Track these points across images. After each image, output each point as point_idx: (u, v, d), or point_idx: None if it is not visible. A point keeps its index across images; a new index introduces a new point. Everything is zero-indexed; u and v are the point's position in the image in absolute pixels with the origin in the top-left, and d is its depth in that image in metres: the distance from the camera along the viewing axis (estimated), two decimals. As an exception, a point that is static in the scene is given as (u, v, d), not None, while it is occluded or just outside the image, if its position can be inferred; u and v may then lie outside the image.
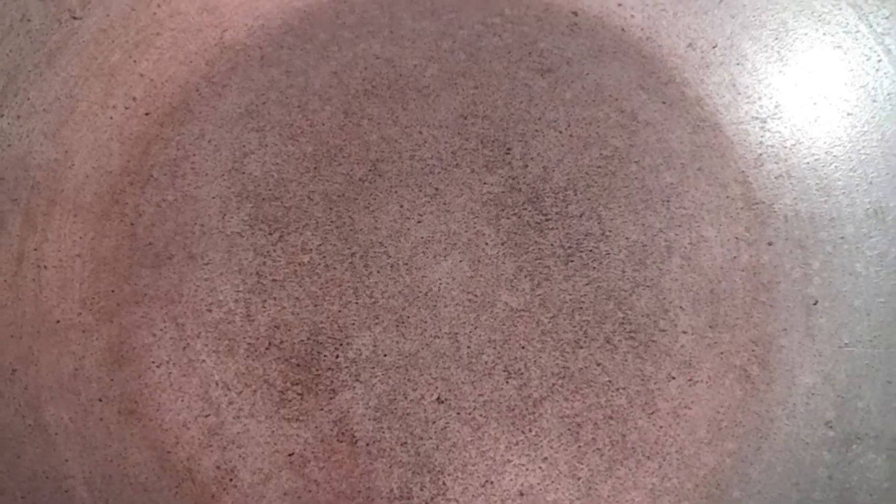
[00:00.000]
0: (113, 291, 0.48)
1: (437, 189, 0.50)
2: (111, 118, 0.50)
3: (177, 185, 0.50)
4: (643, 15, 0.53)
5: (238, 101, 0.51)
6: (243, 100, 0.51)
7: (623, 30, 0.53)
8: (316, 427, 0.46)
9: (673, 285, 0.49)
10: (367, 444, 0.46)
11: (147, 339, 0.47)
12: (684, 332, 0.48)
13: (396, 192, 0.50)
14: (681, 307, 0.49)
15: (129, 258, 0.48)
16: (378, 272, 0.49)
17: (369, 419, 0.47)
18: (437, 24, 0.53)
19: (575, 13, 0.53)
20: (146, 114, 0.51)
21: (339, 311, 0.48)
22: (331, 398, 0.47)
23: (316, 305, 0.48)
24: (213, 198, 0.50)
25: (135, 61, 0.51)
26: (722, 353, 0.48)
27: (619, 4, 0.53)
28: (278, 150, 0.51)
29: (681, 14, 0.53)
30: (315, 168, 0.50)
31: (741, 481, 0.46)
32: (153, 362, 0.47)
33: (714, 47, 0.53)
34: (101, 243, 0.49)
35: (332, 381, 0.47)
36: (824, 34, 0.51)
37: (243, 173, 0.50)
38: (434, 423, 0.47)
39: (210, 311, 0.48)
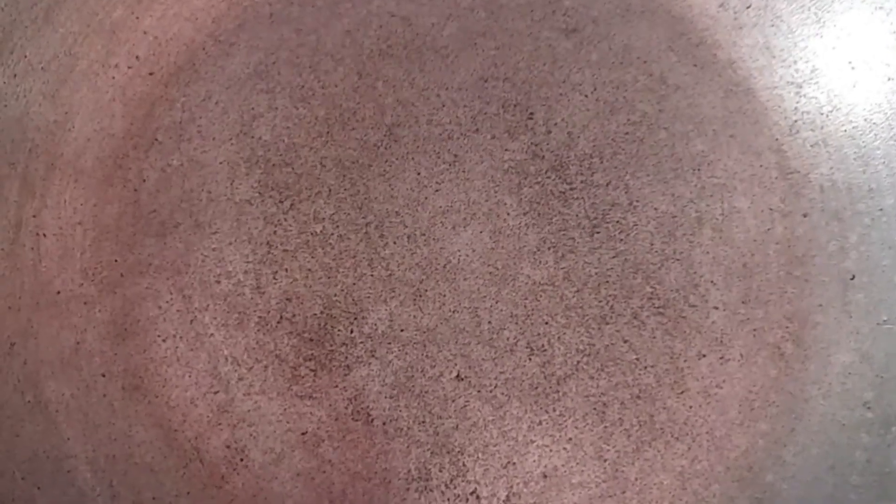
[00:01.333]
0: (116, 261, 0.46)
1: (456, 156, 0.48)
2: (113, 78, 0.47)
3: (182, 149, 0.47)
4: (673, -28, 0.50)
5: (246, 60, 0.49)
6: (251, 59, 0.49)
7: (652, -12, 0.51)
8: (330, 405, 0.44)
9: (704, 258, 0.47)
10: (384, 424, 0.44)
11: (152, 311, 0.45)
12: (715, 308, 0.46)
13: (413, 158, 0.48)
14: (712, 281, 0.46)
15: (132, 226, 0.46)
16: (394, 243, 0.46)
17: (386, 397, 0.44)
18: (456, -20, 0.50)
19: (601, -30, 0.51)
20: (150, 74, 0.48)
21: (354, 284, 0.46)
22: (345, 375, 0.45)
23: (329, 277, 0.46)
24: (221, 163, 0.47)
25: (138, 18, 0.48)
26: (755, 329, 0.46)
27: (648, -39, 0.51)
28: (289, 114, 0.48)
29: (713, -28, 0.50)
30: (327, 133, 0.48)
31: (774, 464, 0.44)
32: (159, 336, 0.45)
33: (748, 7, 0.50)
34: (104, 210, 0.46)
35: (346, 357, 0.45)
36: (866, -6, 0.48)
37: (252, 137, 0.47)
38: (453, 401, 0.45)
39: (218, 282, 0.45)
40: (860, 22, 0.48)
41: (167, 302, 0.45)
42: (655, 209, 0.48)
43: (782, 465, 0.44)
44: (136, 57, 0.48)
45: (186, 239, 0.46)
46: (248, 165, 0.47)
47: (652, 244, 0.47)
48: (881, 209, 0.47)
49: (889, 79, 0.48)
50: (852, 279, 0.46)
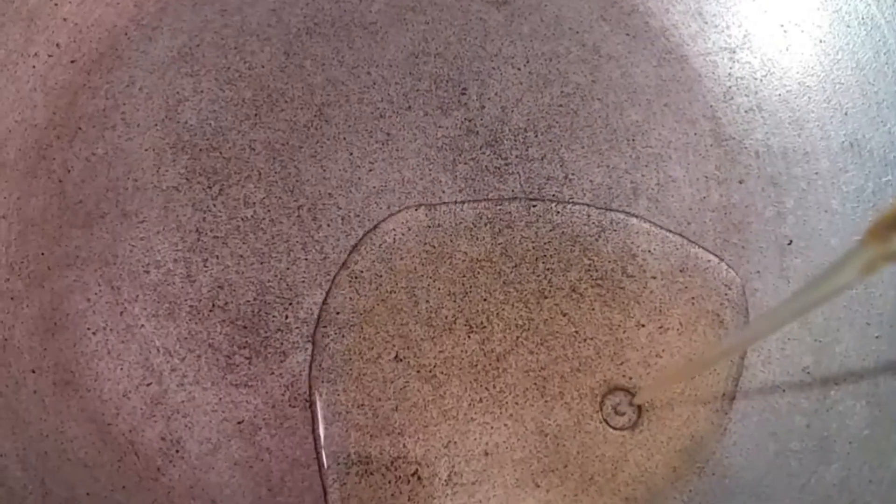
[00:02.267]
0: (42, 254, 0.44)
1: (388, 134, 0.47)
2: (33, 67, 0.46)
3: (107, 137, 0.46)
4: (603, -59, 0.50)
5: (170, 44, 0.47)
6: (175, 43, 0.47)
7: (582, -43, 0.50)
8: (266, 392, 0.43)
9: (641, 228, 0.46)
10: (322, 409, 0.43)
11: (81, 304, 0.44)
12: (653, 278, 0.45)
13: (345, 138, 0.47)
14: (649, 251, 0.46)
15: (58, 218, 0.45)
16: (328, 225, 0.46)
17: (323, 381, 0.44)
18: (384, -45, 0.49)
19: (531, -60, 0.50)
20: (71, 61, 0.47)
21: (288, 269, 0.45)
22: (281, 361, 0.44)
23: (262, 263, 0.45)
24: (147, 150, 0.46)
25: (56, 4, 0.46)
26: (693, 298, 0.45)
27: (578, -70, 0.50)
28: (215, 97, 0.47)
29: (643, -61, 0.49)
30: (255, 115, 0.47)
31: (715, 432, 0.44)
32: (89, 329, 0.44)
33: (679, -26, 0.49)
34: (28, 203, 0.45)
35: (282, 343, 0.44)
36: (795, -44, 0.48)
37: (178, 122, 0.46)
38: (392, 382, 0.44)
39: (147, 272, 0.44)
40: (791, -15, 0.48)
41: (96, 294, 0.44)
42: (591, 181, 0.47)
43: (723, 433, 0.44)
44: (57, 45, 0.46)
45: (113, 229, 0.45)
46: (175, 151, 0.46)
47: (588, 216, 0.47)
48: (816, 172, 0.47)
49: (820, 41, 0.47)
50: (789, 244, 0.46)
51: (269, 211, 0.45)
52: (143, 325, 0.44)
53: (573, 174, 0.47)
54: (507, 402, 0.44)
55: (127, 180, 0.45)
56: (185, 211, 0.45)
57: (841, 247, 0.45)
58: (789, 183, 0.47)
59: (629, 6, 0.49)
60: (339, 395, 0.43)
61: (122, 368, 0.43)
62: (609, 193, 0.47)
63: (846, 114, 0.46)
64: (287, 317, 0.44)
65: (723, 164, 0.47)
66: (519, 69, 0.48)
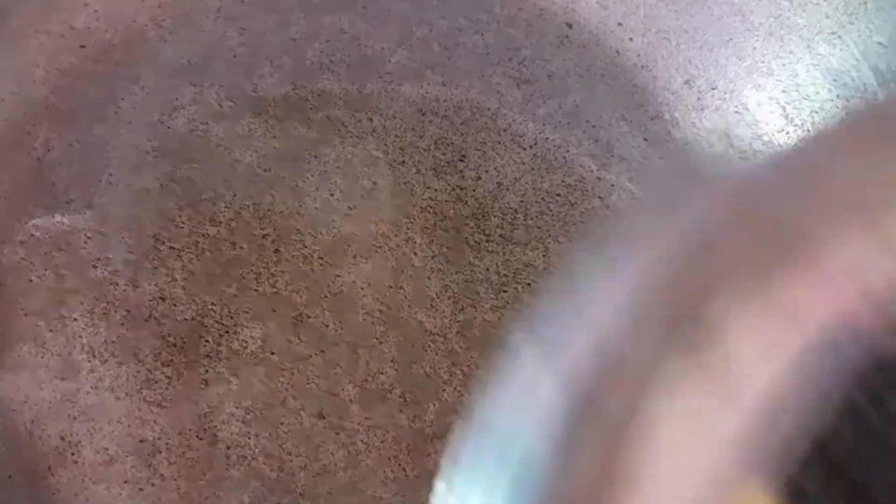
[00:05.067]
0: (1, 227, 0.44)
1: (374, 183, 0.45)
2: (43, 44, 0.46)
3: (96, 128, 0.45)
4: (643, 40, 0.48)
5: (183, 51, 0.47)
6: (189, 51, 0.47)
7: (618, 52, 0.48)
8: (177, 417, 0.41)
9: (610, 340, 0.43)
10: (228, 448, 0.41)
11: (23, 284, 0.43)
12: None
13: (330, 177, 0.45)
14: (613, 366, 0.43)
15: (25, 195, 0.44)
16: (288, 261, 0.44)
17: (238, 420, 0.41)
18: (417, 8, 0.48)
19: (569, 25, 0.48)
20: (81, 46, 0.46)
21: (235, 296, 0.43)
22: (201, 389, 0.42)
23: (211, 284, 0.43)
24: (130, 148, 0.45)
25: (82, -12, 0.47)
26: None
27: (620, 24, 0.48)
28: (212, 111, 0.46)
29: (683, 46, 0.47)
30: (247, 137, 0.46)
31: None
32: (22, 310, 0.43)
33: (713, 89, 0.47)
34: (2, 174, 0.44)
35: (206, 371, 0.42)
36: (837, 96, 0.45)
37: (169, 128, 0.46)
38: (309, 438, 0.41)
39: (95, 267, 0.43)
40: (828, 123, 0.45)
41: (40, 278, 0.43)
42: (571, 279, 0.44)
43: None
44: (71, 27, 0.46)
45: (75, 218, 0.44)
46: (157, 155, 0.45)
47: (558, 315, 0.44)
48: None
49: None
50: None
51: (232, 233, 0.44)
52: (75, 319, 0.43)
53: (555, 268, 0.44)
54: (422, 491, 0.41)
55: (102, 173, 0.45)
56: (149, 215, 0.44)
57: None
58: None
59: (654, 111, 0.47)
60: (249, 438, 0.41)
61: (42, 357, 0.42)
62: (585, 295, 0.44)
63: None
64: (220, 344, 0.42)
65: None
66: (524, 149, 0.46)
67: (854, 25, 0.45)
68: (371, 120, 0.47)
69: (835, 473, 0.20)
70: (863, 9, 0.45)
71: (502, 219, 0.45)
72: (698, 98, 0.47)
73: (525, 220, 0.45)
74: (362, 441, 0.41)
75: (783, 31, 0.46)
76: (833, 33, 0.45)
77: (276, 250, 0.44)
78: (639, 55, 0.48)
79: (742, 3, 0.47)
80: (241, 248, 0.44)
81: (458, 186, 0.46)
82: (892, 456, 0.20)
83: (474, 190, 0.46)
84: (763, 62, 0.46)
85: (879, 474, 0.20)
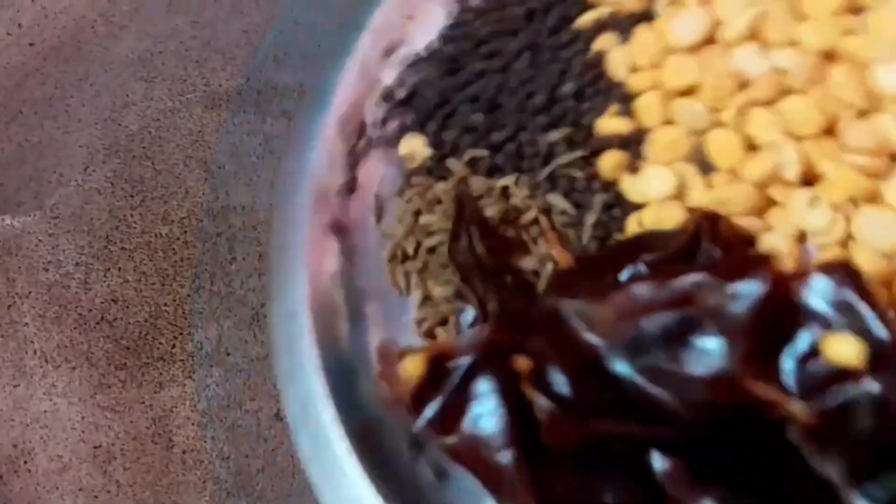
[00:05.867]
0: (-51, 231, 0.43)
1: (331, 178, 0.44)
2: (-10, 42, 0.45)
3: (45, 126, 0.45)
4: None
5: (133, 45, 0.46)
6: (139, 45, 0.46)
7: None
8: (132, 422, 0.41)
9: None
10: (184, 452, 0.40)
11: (-28, 289, 0.42)
12: None
13: (285, 173, 0.44)
14: None
15: (-26, 197, 0.43)
16: (244, 259, 0.43)
17: (193, 424, 0.41)
18: (373, -4, 0.47)
19: None
20: (30, 44, 0.46)
21: (189, 296, 0.42)
22: (156, 392, 0.41)
23: (164, 285, 0.42)
24: (81, 147, 0.44)
25: (29, -16, 0.46)
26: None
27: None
28: (163, 106, 0.45)
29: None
30: (199, 132, 0.45)
31: None
32: (-28, 316, 0.42)
33: None
34: (-50, 176, 0.44)
35: (161, 374, 0.41)
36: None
37: (119, 125, 0.45)
38: (266, 441, 0.41)
39: (46, 269, 0.42)
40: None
41: (-10, 282, 0.42)
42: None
43: None
44: (19, 25, 0.45)
45: (24, 219, 0.43)
46: (108, 153, 0.44)
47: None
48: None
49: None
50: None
51: (185, 232, 0.43)
52: (27, 324, 0.42)
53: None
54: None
55: (52, 173, 0.44)
56: (101, 215, 0.43)
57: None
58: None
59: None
60: (205, 442, 0.40)
61: (-7, 364, 0.41)
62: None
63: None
64: (174, 346, 0.42)
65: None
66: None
67: None
68: (327, 112, 0.45)
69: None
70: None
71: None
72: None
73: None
74: (321, 441, 0.41)
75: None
76: None
77: (231, 248, 0.43)
78: None
79: None
80: (195, 246, 0.43)
81: (417, 178, 0.45)
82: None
83: (434, 181, 0.45)
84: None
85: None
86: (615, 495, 0.28)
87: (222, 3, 0.47)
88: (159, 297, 0.42)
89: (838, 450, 0.27)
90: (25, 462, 0.40)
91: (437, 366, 0.31)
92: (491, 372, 0.30)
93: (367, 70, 0.39)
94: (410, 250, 0.35)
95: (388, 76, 0.39)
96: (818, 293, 0.28)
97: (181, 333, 0.42)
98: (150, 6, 0.46)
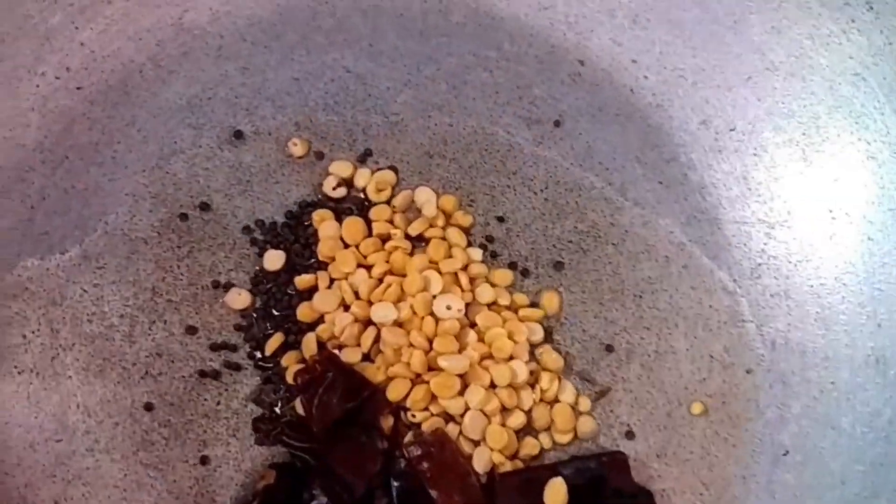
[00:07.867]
0: (-8, 278, 0.42)
1: (380, 232, 0.44)
2: (37, 86, 0.44)
3: (91, 172, 0.44)
4: (658, 78, 0.46)
5: (182, 91, 0.45)
6: (188, 91, 0.45)
7: (632, 91, 0.46)
8: (175, 481, 0.40)
9: (625, 397, 0.42)
10: (230, 516, 0.40)
11: (16, 339, 0.42)
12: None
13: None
14: (627, 425, 0.41)
15: (18, 244, 0.43)
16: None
17: (237, 484, 0.40)
18: (424, 46, 0.47)
19: (581, 62, 0.46)
20: (78, 88, 0.45)
21: (235, 352, 0.42)
22: (199, 451, 0.40)
23: (209, 339, 0.42)
24: (127, 195, 0.44)
25: (77, 28, 0.45)
26: (664, 489, 0.40)
27: (634, 62, 0.46)
28: (212, 154, 0.44)
29: (701, 85, 0.46)
30: (248, 182, 0.44)
31: None
32: (16, 367, 0.41)
33: (731, 130, 0.45)
34: (-6, 222, 0.43)
35: (205, 431, 0.41)
36: (859, 139, 0.43)
37: (167, 173, 0.44)
38: None
39: (91, 321, 0.42)
40: (849, 168, 0.43)
41: (33, 332, 0.42)
42: (584, 330, 0.43)
43: None
44: (67, 69, 0.45)
45: (70, 269, 0.42)
46: (154, 202, 0.44)
47: (571, 367, 0.42)
48: (833, 382, 0.41)
49: (869, 238, 0.42)
50: (785, 455, 0.41)
51: (234, 284, 0.42)
52: (70, 377, 0.41)
53: (565, 318, 0.43)
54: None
55: (98, 221, 0.43)
56: (146, 266, 0.43)
57: (840, 473, 0.39)
58: (800, 386, 0.42)
59: (670, 153, 0.45)
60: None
61: (36, 417, 0.41)
62: (599, 349, 0.42)
63: (879, 325, 0.41)
64: (219, 403, 0.41)
65: (733, 346, 0.43)
66: (535, 193, 0.45)
67: (878, 67, 0.43)
68: (377, 163, 0.45)
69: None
70: (888, 49, 0.43)
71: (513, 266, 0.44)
72: (715, 139, 0.45)
73: (536, 267, 0.44)
74: (367, 504, 0.40)
75: (805, 71, 0.44)
76: (856, 74, 0.43)
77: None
78: (654, 94, 0.46)
79: (761, 41, 0.45)
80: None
81: (466, 232, 0.44)
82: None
83: (482, 233, 0.44)
84: (783, 103, 0.44)
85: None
86: None
87: (272, 49, 0.46)
88: (205, 351, 0.42)
89: None
90: (66, 520, 0.39)
91: None
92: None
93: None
94: None
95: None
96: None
97: (227, 389, 0.41)
98: (200, 51, 0.46)
